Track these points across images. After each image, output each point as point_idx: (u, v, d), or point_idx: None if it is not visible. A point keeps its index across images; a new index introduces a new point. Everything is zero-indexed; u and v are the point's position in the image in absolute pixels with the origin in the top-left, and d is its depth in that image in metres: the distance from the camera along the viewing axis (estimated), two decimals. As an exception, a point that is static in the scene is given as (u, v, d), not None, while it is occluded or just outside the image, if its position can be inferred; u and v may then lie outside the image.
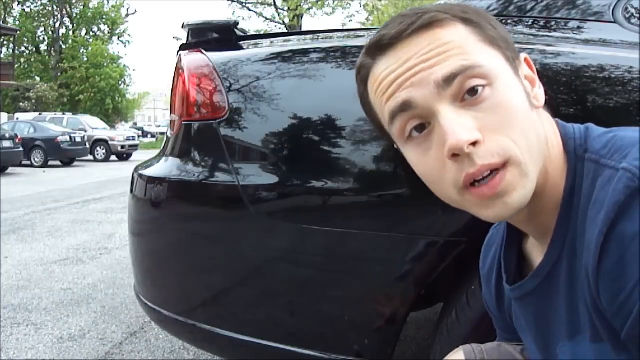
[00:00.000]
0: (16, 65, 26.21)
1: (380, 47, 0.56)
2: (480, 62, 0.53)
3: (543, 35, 1.03)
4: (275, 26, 15.88)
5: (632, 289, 0.46)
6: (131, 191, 1.41)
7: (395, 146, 0.61)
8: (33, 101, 24.35)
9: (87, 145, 14.96)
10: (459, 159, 0.52)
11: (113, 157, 16.11)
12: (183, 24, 1.32)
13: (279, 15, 15.79)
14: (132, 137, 17.79)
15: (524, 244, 0.67)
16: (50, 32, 30.88)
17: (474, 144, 0.51)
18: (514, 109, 0.53)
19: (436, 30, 0.54)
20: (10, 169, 11.70)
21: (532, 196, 0.54)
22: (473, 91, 0.52)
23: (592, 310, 0.52)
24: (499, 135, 0.52)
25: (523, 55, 0.60)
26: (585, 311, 0.54)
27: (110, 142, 16.10)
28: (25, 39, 29.75)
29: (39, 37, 30.91)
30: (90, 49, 29.44)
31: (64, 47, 30.22)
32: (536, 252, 0.63)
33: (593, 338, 0.54)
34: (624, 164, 0.49)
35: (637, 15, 0.97)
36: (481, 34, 0.55)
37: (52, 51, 30.44)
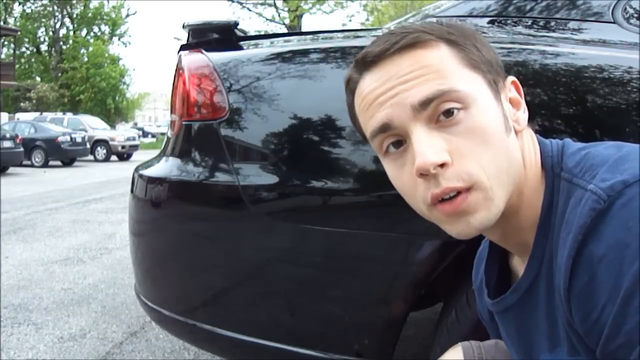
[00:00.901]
0: (17, 66, 26.18)
1: (365, 63, 0.58)
2: (457, 86, 0.54)
3: (542, 36, 1.04)
4: (276, 26, 15.90)
5: (602, 309, 0.47)
6: (131, 191, 1.41)
7: None
8: (34, 101, 24.39)
9: (88, 145, 14.95)
10: (427, 178, 0.54)
11: (113, 157, 16.11)
12: (183, 24, 1.33)
13: (279, 15, 15.80)
14: (133, 137, 17.78)
15: (509, 258, 0.68)
16: (51, 33, 30.89)
17: (442, 165, 0.53)
18: (486, 134, 0.54)
19: (418, 51, 0.56)
20: (11, 169, 11.70)
21: (504, 216, 0.56)
22: (448, 113, 0.54)
23: (567, 327, 0.53)
24: (468, 159, 0.53)
25: (511, 78, 0.61)
26: (562, 326, 0.55)
27: (110, 142, 16.10)
28: (26, 40, 29.76)
29: (39, 38, 30.93)
30: (90, 49, 29.45)
31: (64, 47, 30.23)
32: (519, 267, 0.64)
33: (570, 352, 0.55)
34: (590, 185, 0.50)
35: (637, 16, 0.98)
36: (463, 57, 0.56)
37: (52, 51, 30.45)
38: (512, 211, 0.57)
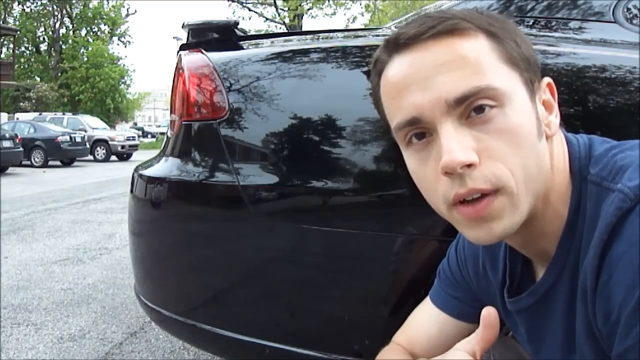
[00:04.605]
0: (16, 65, 26.18)
1: (397, 45, 0.54)
2: (495, 83, 0.51)
3: (544, 35, 1.03)
4: (276, 26, 15.89)
5: (620, 309, 0.45)
6: (131, 191, 1.41)
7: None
8: (33, 101, 24.35)
9: (87, 145, 14.95)
10: (452, 176, 0.51)
11: (113, 157, 16.10)
12: (183, 24, 1.32)
13: (279, 15, 15.78)
14: (132, 137, 17.78)
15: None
16: (50, 32, 30.88)
17: (469, 165, 0.50)
18: (518, 137, 0.51)
19: (455, 39, 0.52)
20: (10, 169, 11.69)
21: (527, 223, 0.53)
22: (480, 109, 0.51)
23: (585, 333, 0.52)
24: (496, 161, 0.50)
25: (546, 80, 0.58)
26: (579, 333, 0.54)
27: (110, 142, 16.09)
28: (25, 39, 29.74)
29: (39, 37, 30.90)
30: (90, 48, 29.45)
31: (64, 47, 30.21)
32: (540, 269, 0.62)
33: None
34: (619, 185, 0.49)
35: (638, 16, 0.97)
36: (502, 51, 0.53)
37: (52, 51, 30.44)
38: (536, 218, 0.55)
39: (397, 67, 0.54)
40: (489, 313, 0.53)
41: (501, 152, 0.51)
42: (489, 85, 0.51)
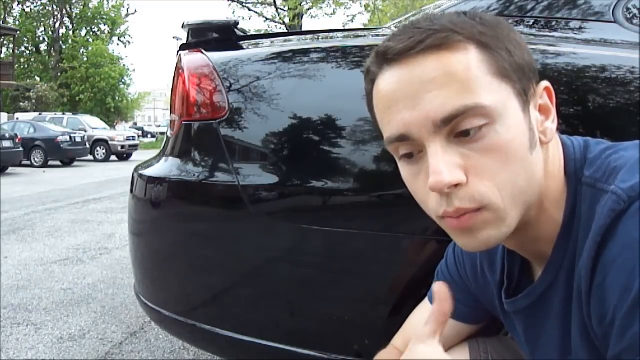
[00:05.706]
0: (16, 65, 26.17)
1: (385, 58, 0.54)
2: (484, 101, 0.50)
3: (544, 35, 1.03)
4: (276, 26, 15.89)
5: (614, 310, 0.46)
6: (131, 191, 1.41)
7: None
8: (33, 101, 24.34)
9: (87, 145, 14.96)
10: (440, 194, 0.52)
11: (113, 157, 16.11)
12: (183, 24, 1.32)
13: (279, 15, 15.79)
14: (132, 137, 17.79)
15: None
16: (50, 32, 30.87)
17: (456, 185, 0.50)
18: (508, 153, 0.51)
19: (444, 53, 0.51)
20: (10, 169, 11.69)
21: (522, 229, 0.54)
22: (468, 132, 0.51)
23: (580, 335, 0.53)
24: (484, 179, 0.51)
25: (543, 84, 0.57)
26: (575, 334, 0.54)
27: (110, 142, 16.10)
28: (25, 39, 29.72)
29: (39, 37, 30.89)
30: (90, 48, 29.44)
31: (64, 47, 30.20)
32: (537, 271, 0.62)
33: None
34: (612, 186, 0.49)
35: (638, 16, 0.97)
36: (493, 64, 0.52)
37: (52, 51, 30.43)
38: (531, 223, 0.55)
39: (387, 81, 0.54)
40: (439, 288, 0.56)
41: (490, 169, 0.51)
42: (477, 104, 0.50)
